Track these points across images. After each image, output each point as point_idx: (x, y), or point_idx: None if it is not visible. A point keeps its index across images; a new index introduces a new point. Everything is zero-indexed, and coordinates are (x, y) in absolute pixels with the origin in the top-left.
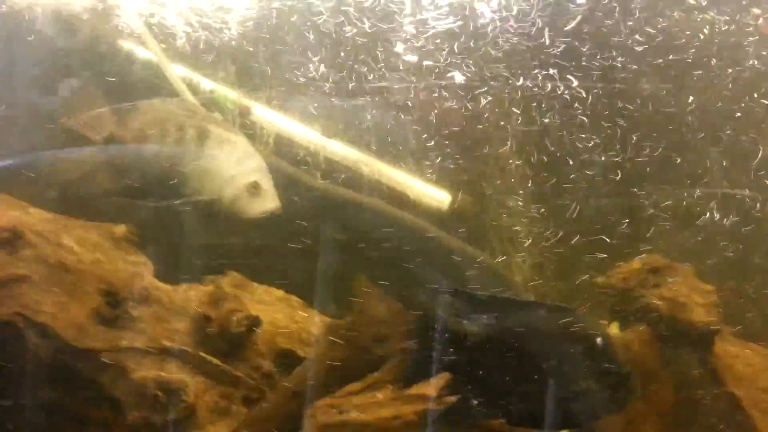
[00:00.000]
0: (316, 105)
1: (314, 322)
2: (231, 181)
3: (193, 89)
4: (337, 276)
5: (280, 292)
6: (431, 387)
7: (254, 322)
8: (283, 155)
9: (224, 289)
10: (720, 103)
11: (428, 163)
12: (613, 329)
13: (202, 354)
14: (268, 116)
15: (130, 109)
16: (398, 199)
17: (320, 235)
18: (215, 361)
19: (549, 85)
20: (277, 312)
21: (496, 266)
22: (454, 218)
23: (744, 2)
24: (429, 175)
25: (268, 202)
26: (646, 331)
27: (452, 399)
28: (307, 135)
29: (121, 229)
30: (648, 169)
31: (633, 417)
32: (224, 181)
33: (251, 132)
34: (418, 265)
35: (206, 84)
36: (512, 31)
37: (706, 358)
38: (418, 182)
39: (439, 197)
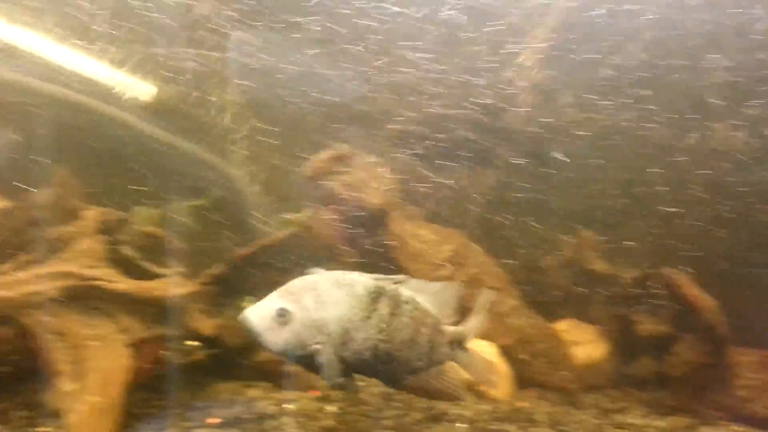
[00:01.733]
0: None
1: None
2: None
3: None
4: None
5: None
6: (75, 264)
7: None
8: None
9: None
10: None
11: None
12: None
13: None
14: None
15: None
16: (102, 92)
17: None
18: None
19: None
20: None
21: (214, 159)
22: (163, 112)
23: None
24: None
25: None
26: (328, 213)
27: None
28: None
29: None
30: None
31: None
32: None
33: None
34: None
35: None
36: None
37: (382, 236)
38: (121, 74)
39: (145, 90)
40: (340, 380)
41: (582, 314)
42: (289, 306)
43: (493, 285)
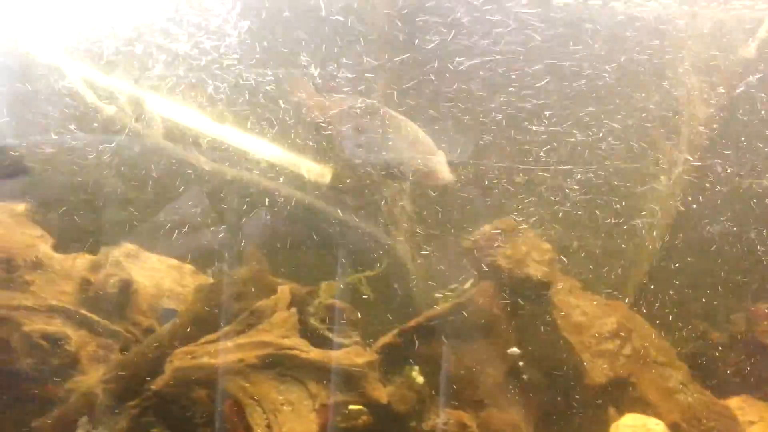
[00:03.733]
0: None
1: None
2: None
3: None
4: (229, 246)
5: (173, 261)
6: (273, 335)
7: (126, 284)
8: (175, 140)
9: (108, 257)
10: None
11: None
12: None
13: (83, 311)
14: (161, 105)
15: None
16: (284, 174)
17: (214, 210)
18: (94, 317)
19: None
20: (165, 278)
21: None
22: (336, 191)
23: None
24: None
25: None
26: (490, 286)
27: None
28: (198, 120)
29: (21, 207)
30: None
31: (479, 358)
32: None
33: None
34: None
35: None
36: None
37: (545, 308)
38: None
39: (320, 171)
40: None
41: (757, 391)
42: None
43: (660, 359)
